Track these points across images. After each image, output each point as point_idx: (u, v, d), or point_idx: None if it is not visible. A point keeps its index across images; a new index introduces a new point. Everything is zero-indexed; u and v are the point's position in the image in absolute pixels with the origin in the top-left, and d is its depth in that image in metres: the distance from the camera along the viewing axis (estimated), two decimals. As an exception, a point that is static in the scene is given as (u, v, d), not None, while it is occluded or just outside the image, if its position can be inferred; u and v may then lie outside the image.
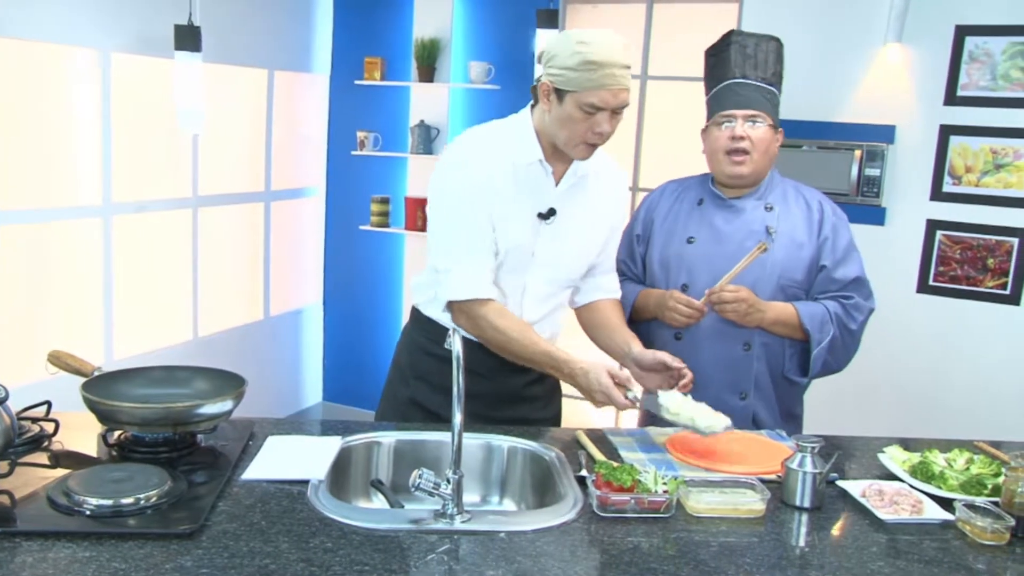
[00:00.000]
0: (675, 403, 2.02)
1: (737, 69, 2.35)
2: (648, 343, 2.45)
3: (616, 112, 2.06)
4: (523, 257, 2.18)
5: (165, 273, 4.26)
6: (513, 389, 2.26)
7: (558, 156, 2.17)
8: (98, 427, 1.98)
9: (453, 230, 2.15)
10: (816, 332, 2.31)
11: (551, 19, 4.11)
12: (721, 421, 1.98)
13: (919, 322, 3.89)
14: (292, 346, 5.26)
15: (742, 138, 2.31)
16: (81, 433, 1.95)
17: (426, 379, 2.30)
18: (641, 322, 2.47)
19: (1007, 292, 3.76)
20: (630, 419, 2.58)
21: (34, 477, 1.70)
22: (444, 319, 2.21)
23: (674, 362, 2.09)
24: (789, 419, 2.41)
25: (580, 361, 2.06)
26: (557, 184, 2.19)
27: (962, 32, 3.75)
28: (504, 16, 4.79)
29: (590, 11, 4.76)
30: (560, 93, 2.04)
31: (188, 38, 3.36)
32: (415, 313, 2.35)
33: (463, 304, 2.13)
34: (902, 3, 3.79)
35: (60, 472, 1.73)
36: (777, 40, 2.40)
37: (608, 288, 2.38)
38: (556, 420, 2.42)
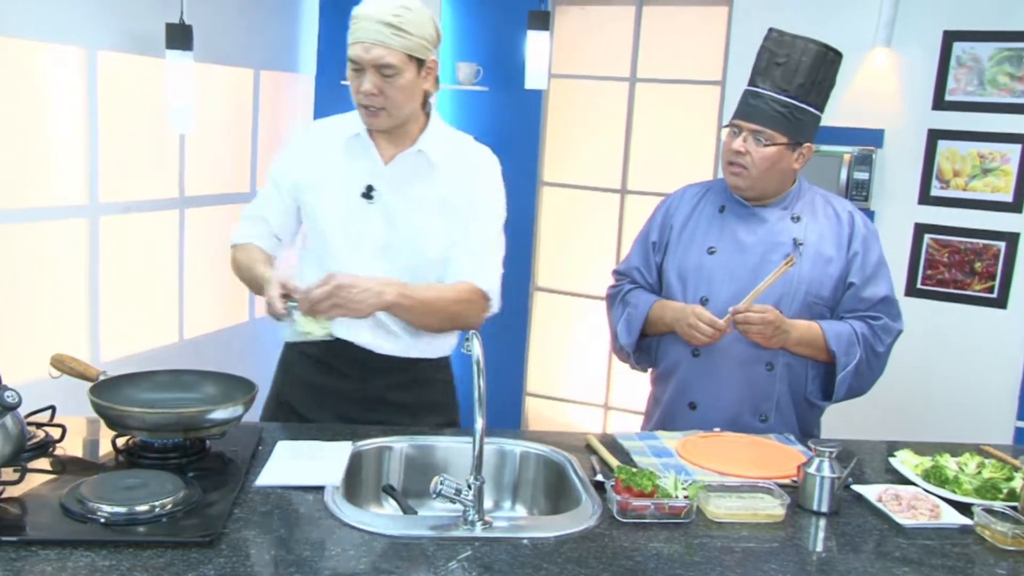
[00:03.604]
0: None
1: (759, 76, 2.24)
2: (661, 358, 2.41)
3: (382, 73, 1.98)
4: (350, 238, 2.13)
5: (152, 274, 4.20)
6: (376, 391, 2.18)
7: (392, 135, 2.12)
8: (95, 431, 1.96)
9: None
10: (842, 355, 2.22)
11: (543, 21, 4.09)
12: (321, 329, 1.93)
13: (907, 325, 3.90)
14: (276, 348, 5.19)
15: (740, 152, 2.22)
16: (77, 437, 1.91)
17: (290, 373, 2.28)
18: (654, 335, 2.40)
19: (994, 295, 3.80)
20: (633, 423, 2.57)
21: (42, 484, 1.67)
22: None
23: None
24: (807, 440, 2.32)
25: (269, 274, 2.01)
26: (387, 164, 2.13)
27: (950, 37, 3.79)
28: (492, 17, 4.77)
29: (578, 12, 4.76)
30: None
31: (180, 37, 3.32)
32: None
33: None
34: (891, 8, 3.82)
35: (67, 478, 1.69)
36: (819, 45, 2.23)
37: (460, 269, 2.15)
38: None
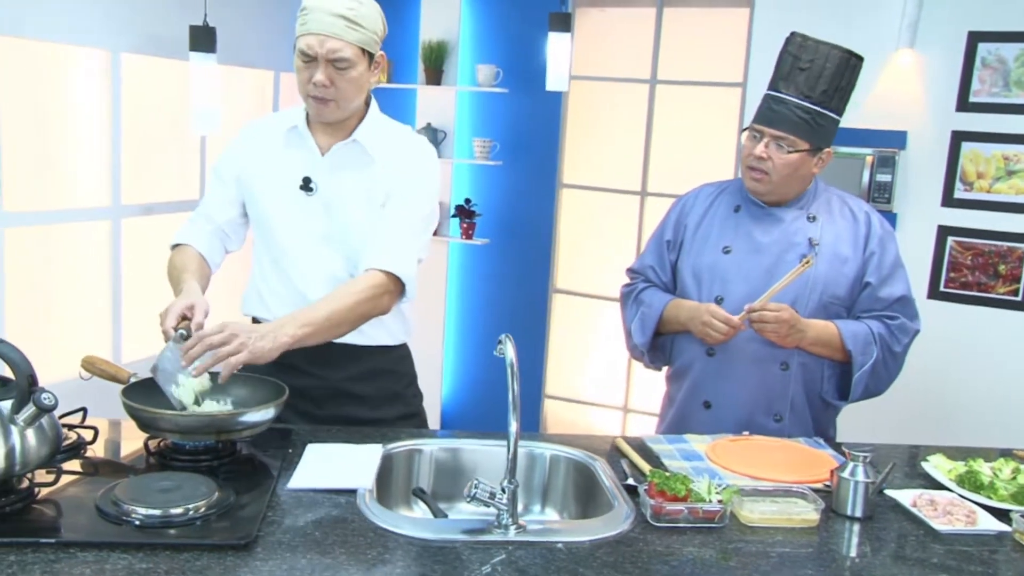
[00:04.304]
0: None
1: (781, 81, 2.23)
2: (676, 357, 2.42)
3: (335, 66, 1.99)
4: (292, 229, 2.14)
5: (165, 270, 4.21)
6: (333, 384, 2.19)
7: (330, 126, 2.13)
8: (119, 432, 1.98)
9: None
10: (859, 354, 2.22)
11: (564, 23, 4.08)
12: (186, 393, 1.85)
13: (930, 328, 3.85)
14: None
15: (761, 158, 2.22)
16: (102, 438, 1.91)
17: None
18: (668, 334, 2.40)
19: (1018, 298, 3.78)
20: (653, 426, 2.56)
21: (75, 485, 1.67)
22: (262, 315, 2.22)
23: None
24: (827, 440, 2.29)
25: (188, 288, 1.98)
26: (324, 154, 2.14)
27: (975, 38, 3.77)
28: (512, 19, 4.77)
29: (598, 14, 4.76)
30: (294, 46, 2.05)
31: (203, 39, 3.33)
32: None
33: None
34: (915, 9, 3.80)
35: (99, 479, 1.70)
36: (843, 51, 2.21)
37: (371, 255, 2.09)
38: (404, 423, 2.26)
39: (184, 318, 1.89)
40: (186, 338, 1.86)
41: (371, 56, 2.07)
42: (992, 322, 3.83)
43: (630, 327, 2.45)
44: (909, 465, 2.06)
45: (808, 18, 4.00)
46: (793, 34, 2.29)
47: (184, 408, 1.85)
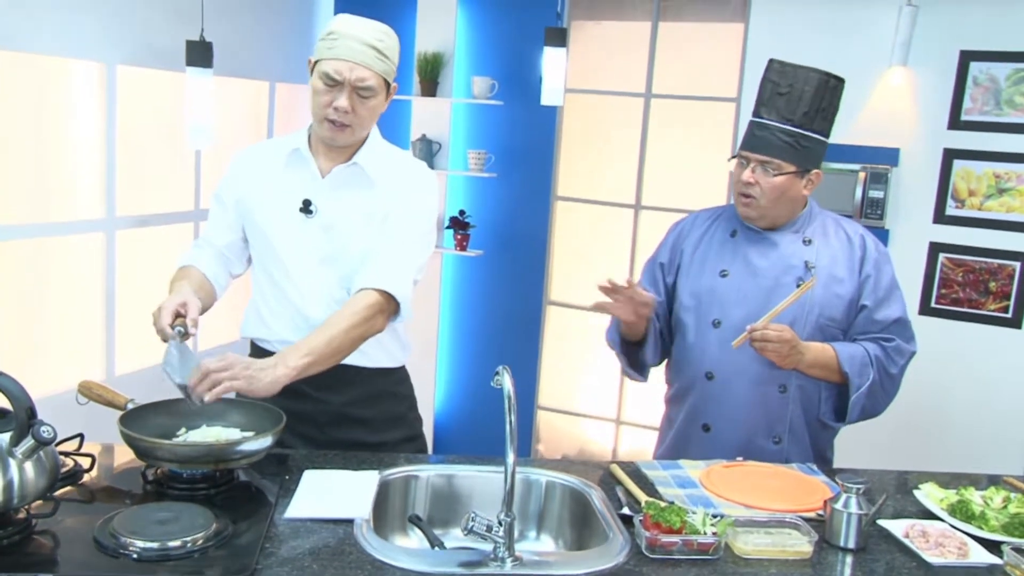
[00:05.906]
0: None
1: (763, 107, 2.27)
2: (674, 380, 2.44)
3: (359, 93, 2.04)
4: (292, 250, 2.15)
5: (166, 288, 4.20)
6: (336, 408, 2.20)
7: (332, 149, 2.16)
8: (112, 455, 1.99)
9: None
10: (856, 377, 2.25)
11: (559, 37, 4.10)
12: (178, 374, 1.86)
13: (921, 344, 3.87)
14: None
15: (749, 183, 2.26)
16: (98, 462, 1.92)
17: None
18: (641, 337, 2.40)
19: (1009, 315, 3.81)
20: (645, 438, 2.57)
21: (72, 514, 1.68)
22: (262, 336, 2.25)
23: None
24: (821, 463, 2.33)
25: (178, 288, 2.03)
26: (325, 177, 2.16)
27: (967, 57, 3.80)
28: (508, 32, 4.78)
29: (594, 27, 4.77)
30: (312, 66, 2.09)
31: (200, 54, 3.33)
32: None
33: None
34: (908, 27, 3.83)
35: (97, 506, 1.71)
36: (820, 73, 2.24)
37: (367, 274, 2.10)
38: (406, 446, 2.30)
39: (178, 315, 1.91)
40: (183, 334, 1.89)
41: (388, 86, 2.11)
42: (982, 338, 3.86)
43: (608, 328, 2.48)
44: (901, 492, 2.07)
45: (802, 35, 4.03)
46: (772, 61, 2.33)
47: (200, 403, 1.86)
